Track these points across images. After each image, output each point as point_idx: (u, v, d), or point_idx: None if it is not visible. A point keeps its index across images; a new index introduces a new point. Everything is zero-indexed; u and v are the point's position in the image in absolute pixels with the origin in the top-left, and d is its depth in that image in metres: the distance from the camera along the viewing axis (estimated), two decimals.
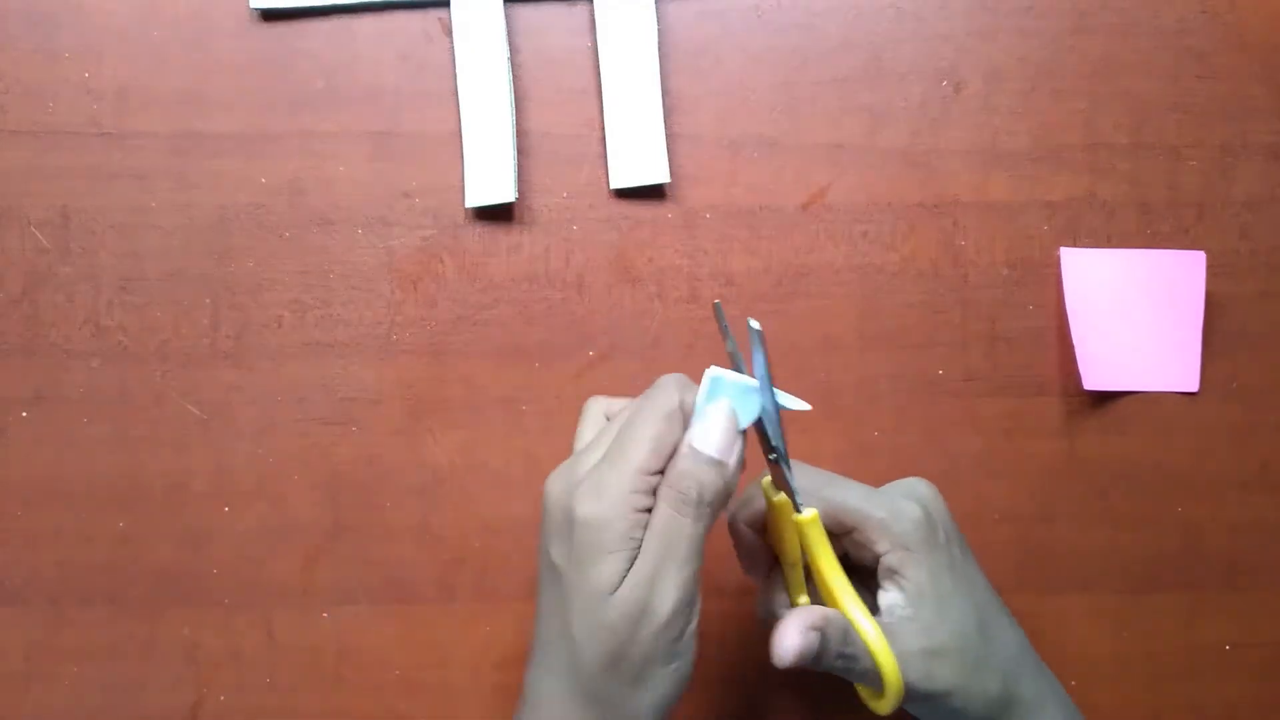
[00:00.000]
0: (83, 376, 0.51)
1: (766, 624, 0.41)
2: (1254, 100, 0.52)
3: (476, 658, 0.51)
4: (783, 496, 0.39)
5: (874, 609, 0.40)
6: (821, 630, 0.37)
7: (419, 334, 0.51)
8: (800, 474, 0.40)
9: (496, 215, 0.51)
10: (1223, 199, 0.52)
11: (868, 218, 0.52)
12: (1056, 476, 0.52)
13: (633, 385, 0.51)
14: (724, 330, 0.38)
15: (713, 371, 0.37)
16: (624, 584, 0.35)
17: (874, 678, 0.38)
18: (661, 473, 0.35)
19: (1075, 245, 0.52)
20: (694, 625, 0.36)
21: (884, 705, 0.39)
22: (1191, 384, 0.52)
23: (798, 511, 0.39)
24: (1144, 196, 0.52)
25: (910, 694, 0.38)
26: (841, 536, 0.41)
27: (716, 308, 0.38)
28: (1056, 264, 0.52)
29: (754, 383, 0.37)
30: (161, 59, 0.51)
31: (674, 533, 0.35)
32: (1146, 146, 0.52)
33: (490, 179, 0.50)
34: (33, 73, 0.51)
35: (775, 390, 0.38)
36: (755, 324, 0.36)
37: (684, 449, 0.36)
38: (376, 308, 0.51)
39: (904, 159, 0.52)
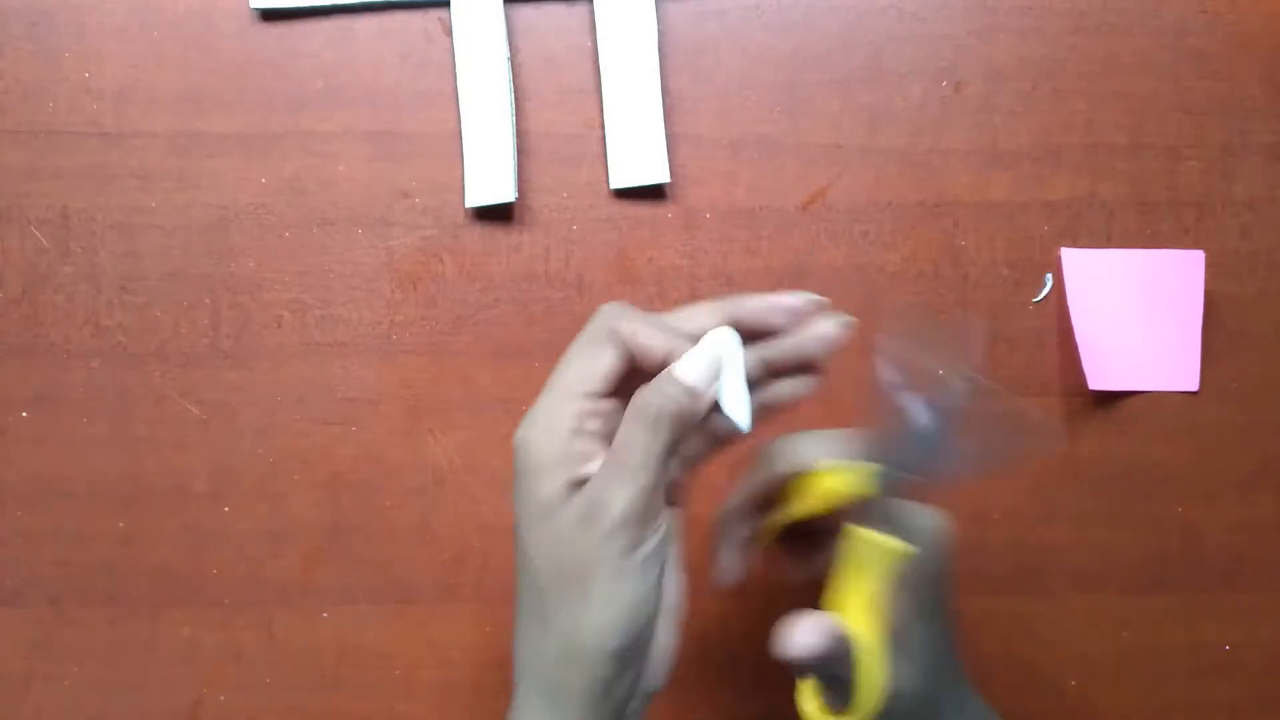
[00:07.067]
0: (83, 376, 0.51)
1: (720, 532, 0.40)
2: (1254, 100, 0.52)
3: (476, 658, 0.51)
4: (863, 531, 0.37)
5: None
6: (833, 639, 0.36)
7: (419, 334, 0.51)
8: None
9: (496, 215, 0.51)
10: (1223, 199, 0.52)
11: (868, 218, 0.52)
12: (1056, 476, 0.52)
13: None
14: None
15: (724, 332, 0.37)
16: (579, 493, 0.34)
17: (843, 694, 0.37)
18: (595, 396, 0.35)
19: (1075, 245, 0.52)
20: (650, 549, 0.34)
21: None
22: (1191, 384, 0.52)
23: (899, 546, 0.37)
24: (1144, 196, 0.52)
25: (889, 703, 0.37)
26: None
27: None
28: (1057, 264, 0.52)
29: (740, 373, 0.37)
30: (161, 59, 0.51)
31: (628, 441, 0.34)
32: (1146, 146, 0.52)
33: (490, 179, 0.50)
34: (33, 73, 0.51)
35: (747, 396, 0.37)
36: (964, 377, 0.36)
37: (662, 374, 0.35)
38: (376, 308, 0.51)
39: (904, 159, 0.52)
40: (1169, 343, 0.52)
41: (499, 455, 0.51)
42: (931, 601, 0.39)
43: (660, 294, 0.51)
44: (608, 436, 0.35)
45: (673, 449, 0.35)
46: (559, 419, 0.35)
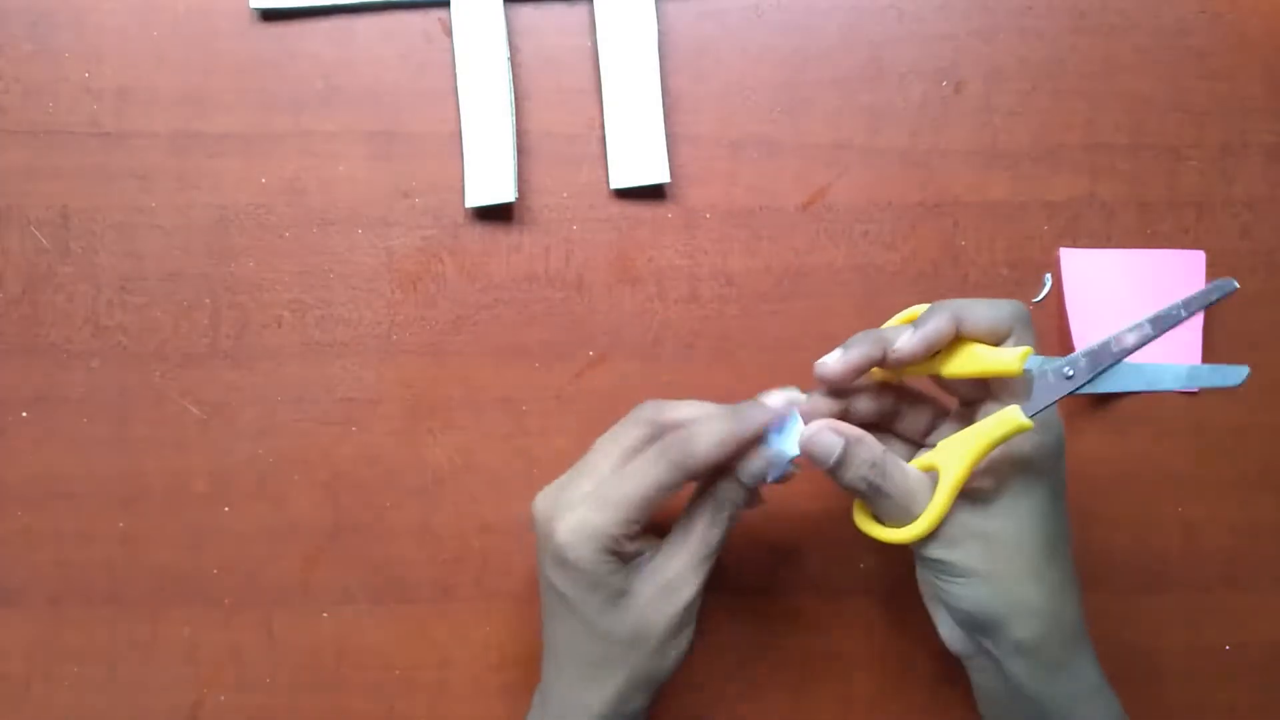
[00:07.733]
0: (83, 376, 0.51)
1: (861, 340, 0.42)
2: (1254, 100, 0.52)
3: (476, 658, 0.51)
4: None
5: None
6: (847, 440, 0.40)
7: (419, 334, 0.51)
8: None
9: (496, 215, 0.51)
10: (1223, 199, 0.52)
11: (868, 218, 0.52)
12: None
13: (632, 385, 0.51)
14: None
15: (795, 415, 0.42)
16: (648, 577, 0.41)
17: (900, 511, 0.40)
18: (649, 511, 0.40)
19: (1075, 245, 0.52)
20: (700, 606, 0.42)
21: (902, 534, 0.41)
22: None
23: (1020, 420, 0.39)
24: (1144, 196, 0.52)
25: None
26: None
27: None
28: (1056, 264, 0.52)
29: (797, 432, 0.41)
30: (161, 59, 0.51)
31: (709, 537, 0.41)
32: (1146, 146, 0.52)
33: (490, 179, 0.50)
34: (33, 73, 0.51)
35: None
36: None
37: (734, 474, 0.41)
38: (376, 308, 0.51)
39: (904, 159, 0.52)
40: (1169, 343, 0.52)
41: (499, 455, 0.51)
42: (1043, 490, 0.41)
43: (660, 294, 0.51)
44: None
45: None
46: (605, 544, 0.39)
